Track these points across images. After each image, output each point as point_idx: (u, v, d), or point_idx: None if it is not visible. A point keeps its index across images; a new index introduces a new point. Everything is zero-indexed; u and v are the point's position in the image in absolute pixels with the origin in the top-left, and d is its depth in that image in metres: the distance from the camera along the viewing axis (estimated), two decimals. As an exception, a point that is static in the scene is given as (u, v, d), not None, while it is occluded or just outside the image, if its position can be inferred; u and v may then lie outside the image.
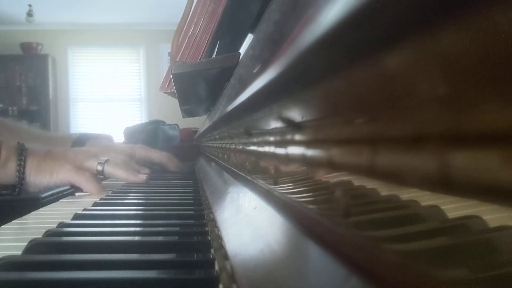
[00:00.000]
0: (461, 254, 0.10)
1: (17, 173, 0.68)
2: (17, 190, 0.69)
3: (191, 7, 0.74)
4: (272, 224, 0.25)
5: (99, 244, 0.33)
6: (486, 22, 0.07)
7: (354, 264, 0.14)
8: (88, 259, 0.29)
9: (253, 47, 0.27)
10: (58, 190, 0.98)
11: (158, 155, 1.06)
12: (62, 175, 0.70)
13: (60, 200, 0.64)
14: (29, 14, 3.93)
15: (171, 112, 3.08)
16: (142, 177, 0.78)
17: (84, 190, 0.70)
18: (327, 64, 0.15)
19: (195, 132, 2.24)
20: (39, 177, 0.70)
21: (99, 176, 0.75)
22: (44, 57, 4.38)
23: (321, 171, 0.18)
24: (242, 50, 0.56)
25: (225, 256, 0.27)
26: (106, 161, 0.75)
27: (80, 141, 0.98)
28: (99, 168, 0.74)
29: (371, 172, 0.13)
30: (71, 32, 4.49)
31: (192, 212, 0.49)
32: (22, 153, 0.69)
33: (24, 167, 0.69)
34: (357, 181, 0.15)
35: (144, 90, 4.65)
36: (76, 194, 0.69)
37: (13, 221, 0.46)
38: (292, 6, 0.18)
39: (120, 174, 0.77)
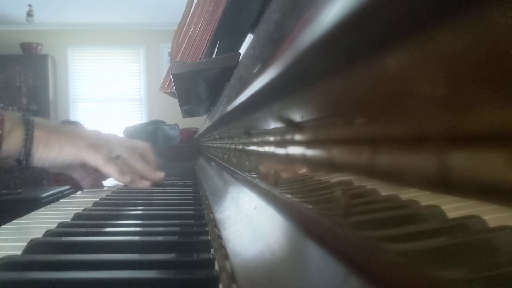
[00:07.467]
0: (461, 254, 0.10)
1: (24, 143, 0.62)
2: (23, 163, 0.63)
3: (191, 7, 0.74)
4: (272, 224, 0.25)
5: (99, 244, 0.33)
6: (485, 22, 0.07)
7: (354, 264, 0.14)
8: (88, 259, 0.29)
9: (253, 47, 0.27)
10: (58, 190, 0.97)
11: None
12: (74, 151, 0.65)
13: (60, 200, 0.64)
14: (29, 14, 3.93)
15: (171, 112, 3.08)
16: (146, 183, 0.72)
17: (103, 172, 0.66)
18: (327, 64, 0.15)
19: (195, 132, 2.24)
20: (47, 150, 0.64)
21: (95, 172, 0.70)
22: (44, 57, 4.38)
23: (321, 171, 0.18)
24: (242, 50, 0.56)
25: (225, 256, 0.27)
26: (117, 157, 0.68)
27: None
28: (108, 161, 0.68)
29: (371, 172, 0.13)
30: (71, 32, 4.49)
31: (192, 212, 0.49)
32: (29, 124, 0.64)
33: (32, 138, 0.63)
34: (357, 181, 0.15)
35: (144, 90, 4.65)
36: (76, 194, 0.66)
37: (13, 221, 0.46)
38: (292, 6, 0.18)
39: (121, 179, 0.70)
